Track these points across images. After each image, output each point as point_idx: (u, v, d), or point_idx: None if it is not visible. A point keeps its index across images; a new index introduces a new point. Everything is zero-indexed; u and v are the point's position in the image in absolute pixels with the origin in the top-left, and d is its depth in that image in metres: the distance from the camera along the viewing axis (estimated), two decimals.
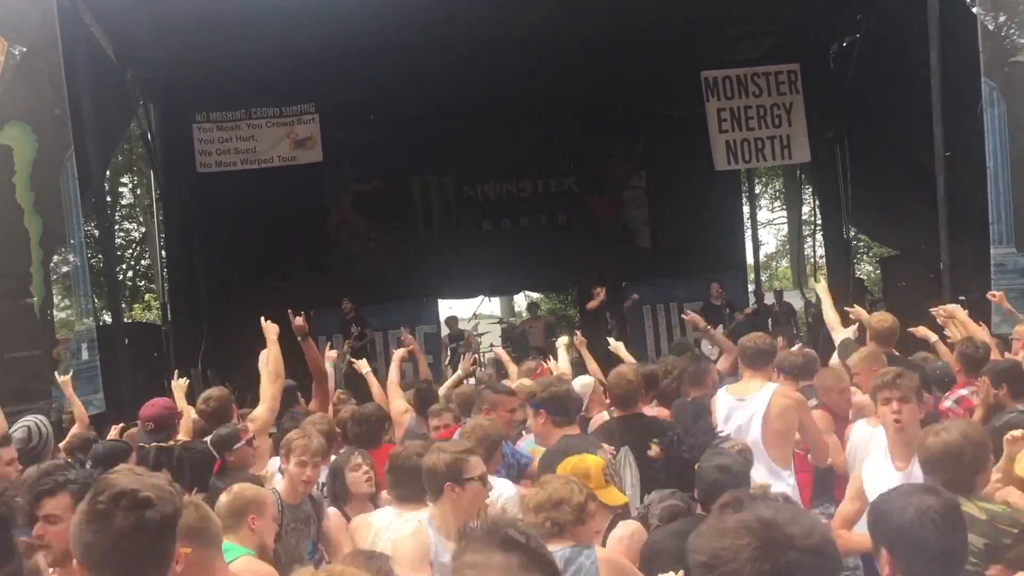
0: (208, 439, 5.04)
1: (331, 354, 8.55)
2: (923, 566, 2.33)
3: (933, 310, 6.66)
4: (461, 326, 15.89)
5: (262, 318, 6.27)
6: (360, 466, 4.56)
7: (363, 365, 7.82)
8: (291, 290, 14.77)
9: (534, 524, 3.18)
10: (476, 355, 13.80)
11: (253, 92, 13.26)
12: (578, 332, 8.90)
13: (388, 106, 14.45)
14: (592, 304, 13.45)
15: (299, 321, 6.61)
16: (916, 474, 3.47)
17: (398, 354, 7.40)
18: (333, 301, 14.52)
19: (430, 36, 11.62)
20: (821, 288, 7.07)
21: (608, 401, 5.75)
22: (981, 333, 6.12)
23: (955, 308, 6.45)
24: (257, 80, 12.82)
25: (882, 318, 6.27)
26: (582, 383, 6.06)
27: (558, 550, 3.09)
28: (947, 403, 5.31)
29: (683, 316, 9.67)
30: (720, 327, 13.12)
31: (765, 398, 4.80)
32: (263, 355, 6.17)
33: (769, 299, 16.16)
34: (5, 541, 2.84)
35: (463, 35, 11.67)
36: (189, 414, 6.21)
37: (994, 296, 7.55)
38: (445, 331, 15.23)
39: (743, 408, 4.87)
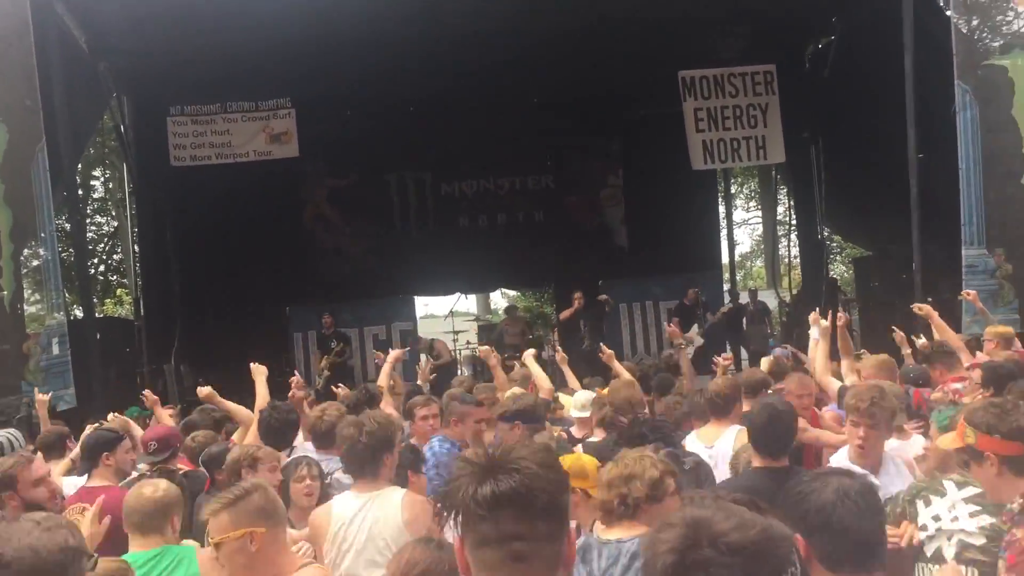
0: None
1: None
2: (843, 549, 2.21)
3: (914, 307, 6.82)
4: (424, 331, 15.86)
5: (252, 363, 6.24)
6: (304, 478, 4.49)
7: (345, 395, 7.53)
8: (266, 286, 14.76)
9: (606, 501, 3.10)
10: (438, 361, 13.78)
11: (228, 86, 13.14)
12: (559, 349, 8.78)
13: (365, 101, 14.39)
14: (566, 314, 13.49)
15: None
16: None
17: (393, 355, 6.98)
18: (308, 297, 14.45)
19: (408, 31, 11.58)
20: (822, 331, 6.18)
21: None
22: (955, 337, 6.27)
23: (931, 311, 6.62)
24: (232, 74, 12.70)
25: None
26: (587, 398, 6.05)
27: (626, 540, 2.97)
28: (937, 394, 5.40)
29: (667, 327, 9.51)
30: (695, 327, 13.23)
31: (729, 441, 4.99)
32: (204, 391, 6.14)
33: (744, 298, 16.27)
34: None
35: (441, 30, 11.64)
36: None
37: (968, 295, 7.68)
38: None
39: (711, 454, 4.99)
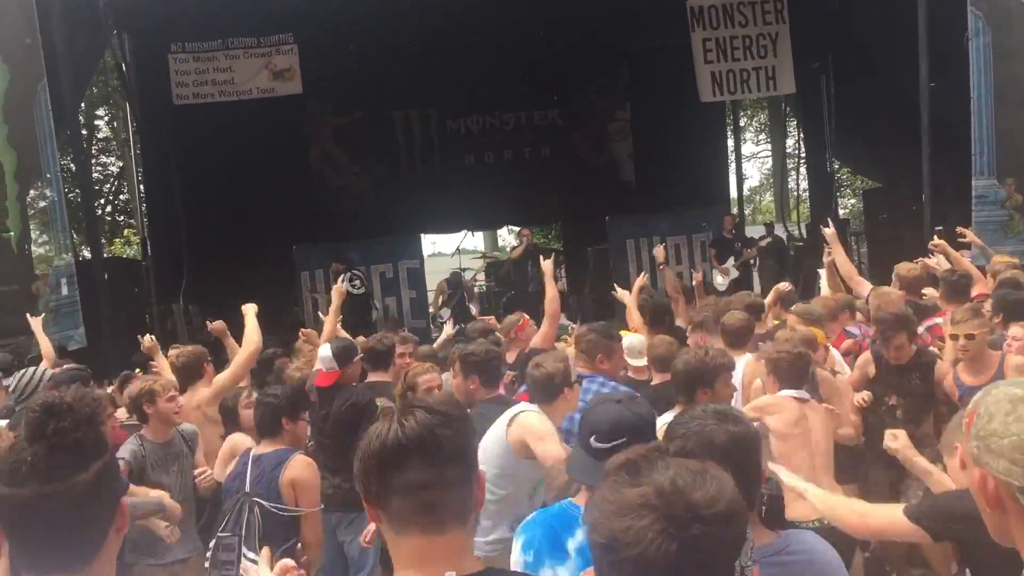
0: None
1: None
2: None
3: (932, 244, 6.91)
4: (431, 269, 15.91)
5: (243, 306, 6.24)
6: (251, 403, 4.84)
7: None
8: (272, 225, 14.72)
9: None
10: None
11: (230, 22, 12.92)
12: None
13: (369, 37, 14.13)
14: (517, 252, 13.66)
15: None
16: None
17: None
18: (315, 236, 14.43)
19: None
20: (831, 235, 7.15)
21: None
22: (969, 265, 6.36)
23: (945, 246, 6.81)
24: (234, 9, 12.49)
25: (911, 267, 6.68)
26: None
27: None
28: (920, 329, 5.47)
29: (656, 250, 9.51)
30: (731, 259, 13.13)
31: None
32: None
33: (759, 232, 16.03)
34: None
35: None
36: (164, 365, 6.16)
37: (965, 235, 7.69)
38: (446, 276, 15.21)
39: None
